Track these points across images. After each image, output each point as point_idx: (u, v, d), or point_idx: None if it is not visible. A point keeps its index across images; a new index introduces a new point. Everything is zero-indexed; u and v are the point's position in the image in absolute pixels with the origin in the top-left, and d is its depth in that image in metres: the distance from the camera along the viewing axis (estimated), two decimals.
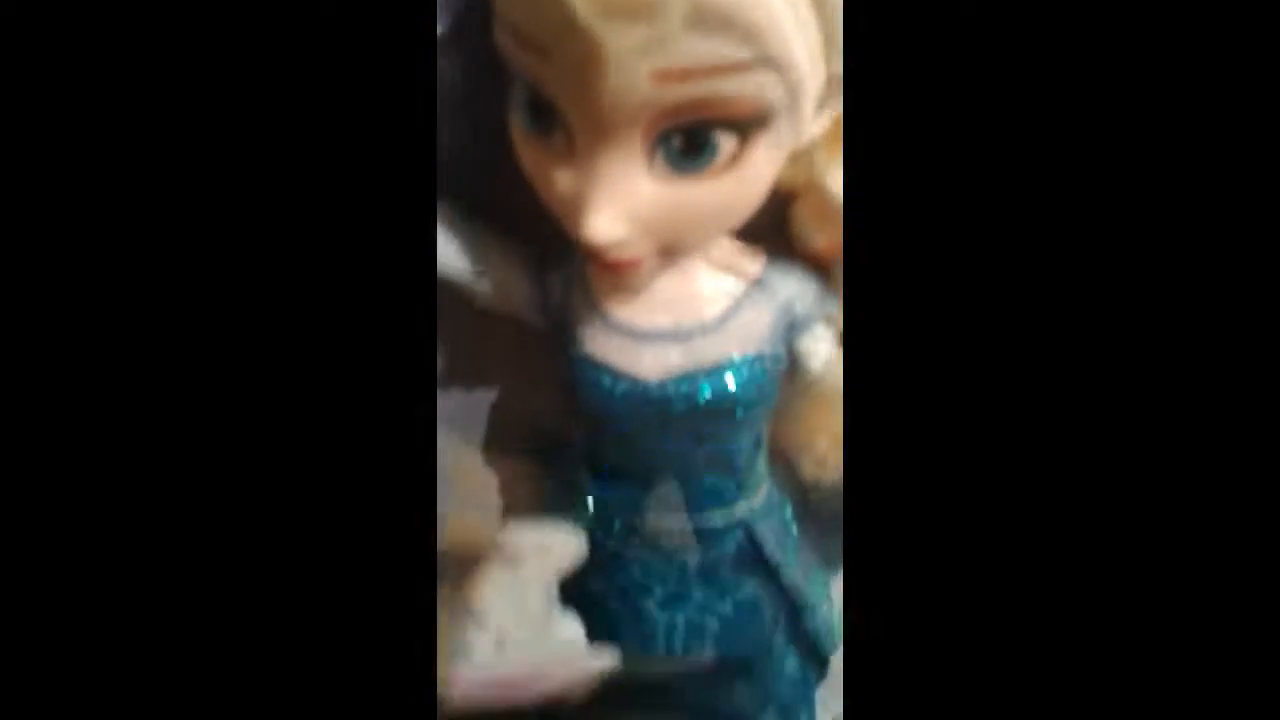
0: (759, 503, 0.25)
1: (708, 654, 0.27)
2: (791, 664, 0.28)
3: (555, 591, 0.20)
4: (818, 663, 0.29)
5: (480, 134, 0.19)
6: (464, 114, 0.19)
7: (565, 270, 0.21)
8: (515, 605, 0.20)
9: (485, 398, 0.25)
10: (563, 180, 0.16)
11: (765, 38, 0.13)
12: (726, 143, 0.15)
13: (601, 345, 0.20)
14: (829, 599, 0.30)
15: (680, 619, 0.26)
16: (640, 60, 0.13)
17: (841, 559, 0.22)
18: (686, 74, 0.13)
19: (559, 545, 0.19)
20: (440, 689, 0.23)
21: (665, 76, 0.13)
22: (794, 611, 0.27)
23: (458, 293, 0.22)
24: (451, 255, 0.20)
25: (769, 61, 0.13)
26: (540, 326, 0.21)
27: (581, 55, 0.13)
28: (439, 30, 0.18)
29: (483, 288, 0.20)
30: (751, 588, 0.26)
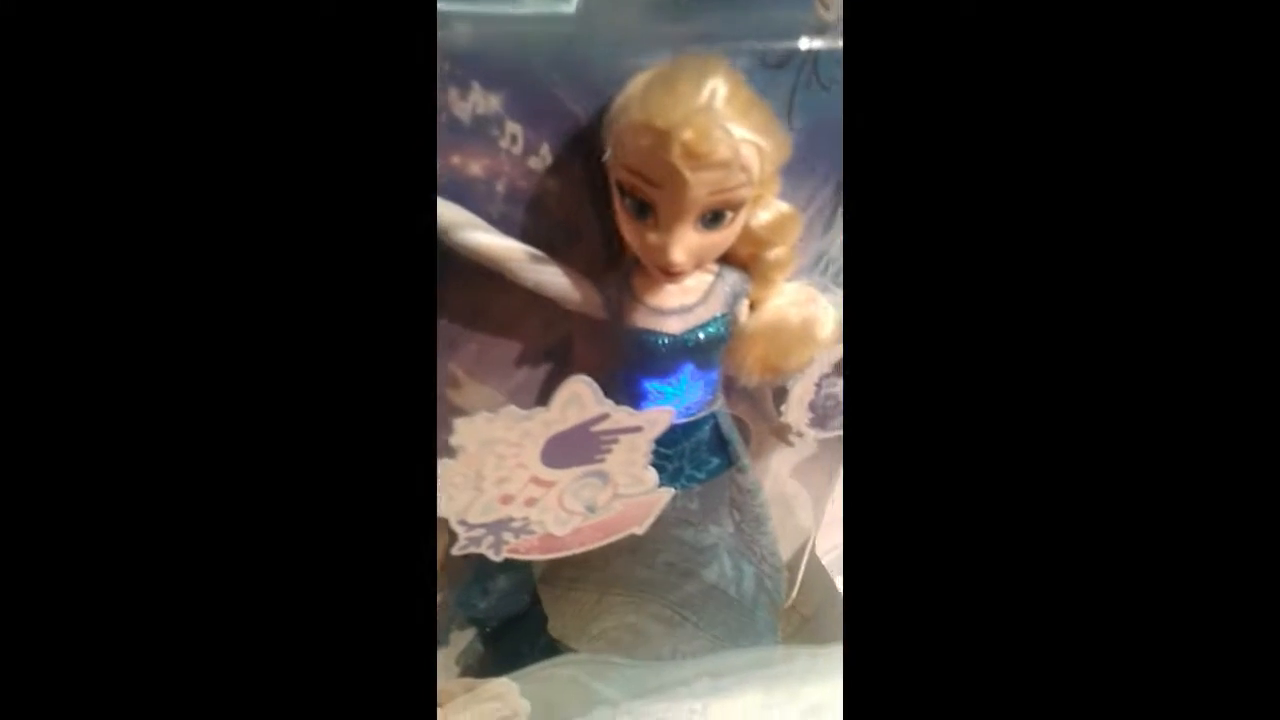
0: (719, 406, 0.43)
1: (694, 504, 0.44)
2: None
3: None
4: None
5: (572, 223, 0.35)
6: (560, 208, 0.35)
7: (617, 286, 0.37)
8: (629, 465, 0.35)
9: None
10: (652, 238, 0.32)
11: (749, 171, 0.31)
12: (729, 215, 0.32)
13: (647, 320, 0.36)
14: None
15: (680, 481, 0.43)
16: (702, 187, 0.30)
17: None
18: (722, 193, 0.30)
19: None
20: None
21: (713, 194, 0.30)
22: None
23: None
24: (550, 275, 0.35)
25: (749, 181, 0.31)
26: (603, 317, 0.37)
27: (678, 185, 0.30)
28: (548, 159, 0.34)
29: (572, 299, 0.36)
30: (716, 462, 0.44)
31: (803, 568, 0.60)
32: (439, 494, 0.32)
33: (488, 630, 0.54)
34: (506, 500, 0.34)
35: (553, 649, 0.51)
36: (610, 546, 0.41)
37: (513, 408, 0.30)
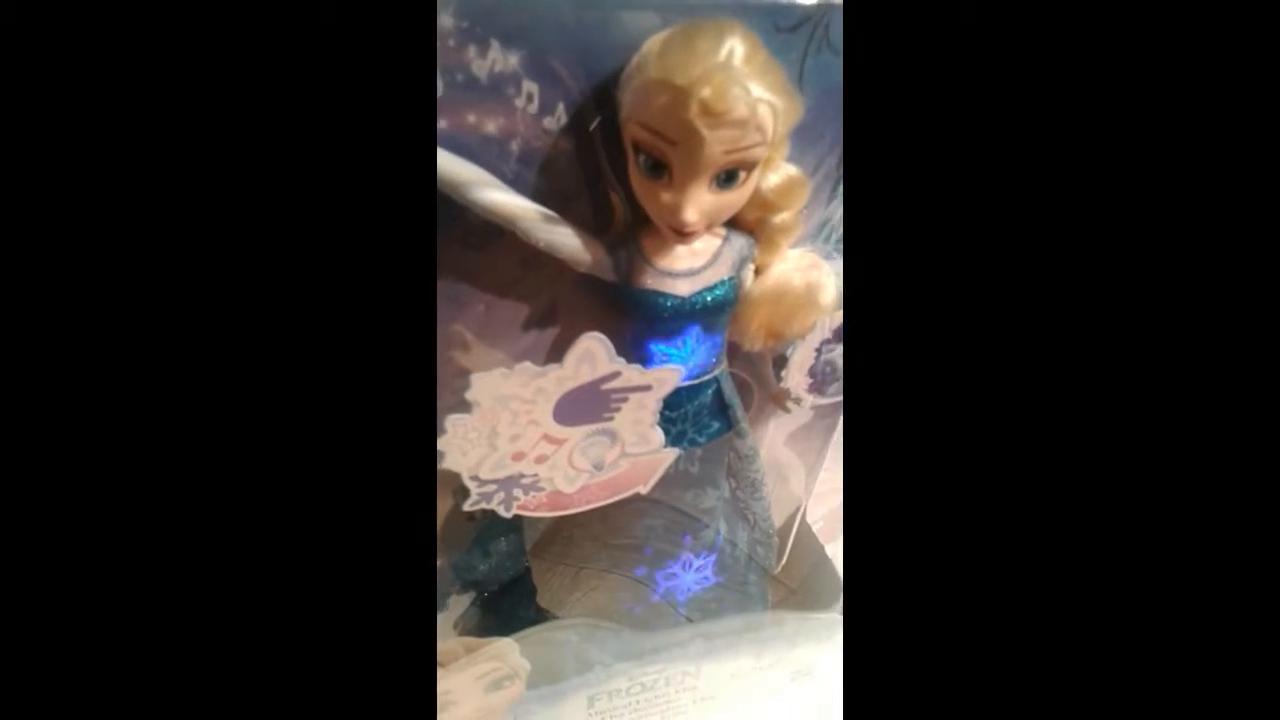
0: (723, 369, 0.43)
1: (694, 468, 0.45)
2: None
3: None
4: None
5: (584, 180, 0.36)
6: (571, 169, 0.35)
7: (626, 248, 0.37)
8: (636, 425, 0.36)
9: None
10: (666, 197, 0.33)
11: (764, 131, 0.31)
12: (742, 175, 0.33)
13: (656, 281, 0.37)
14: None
15: (683, 444, 0.44)
16: (718, 145, 0.30)
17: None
18: (738, 151, 0.31)
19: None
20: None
21: (728, 152, 0.31)
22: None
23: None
24: (562, 236, 0.36)
25: (764, 141, 0.32)
26: (613, 279, 0.38)
27: (695, 143, 0.30)
28: (563, 119, 0.34)
29: (582, 260, 0.36)
30: (717, 425, 0.45)
31: (793, 536, 0.61)
32: (453, 449, 0.32)
33: (485, 595, 0.54)
34: (518, 457, 0.34)
35: (545, 617, 0.52)
36: (592, 528, 0.42)
37: (528, 364, 0.31)
